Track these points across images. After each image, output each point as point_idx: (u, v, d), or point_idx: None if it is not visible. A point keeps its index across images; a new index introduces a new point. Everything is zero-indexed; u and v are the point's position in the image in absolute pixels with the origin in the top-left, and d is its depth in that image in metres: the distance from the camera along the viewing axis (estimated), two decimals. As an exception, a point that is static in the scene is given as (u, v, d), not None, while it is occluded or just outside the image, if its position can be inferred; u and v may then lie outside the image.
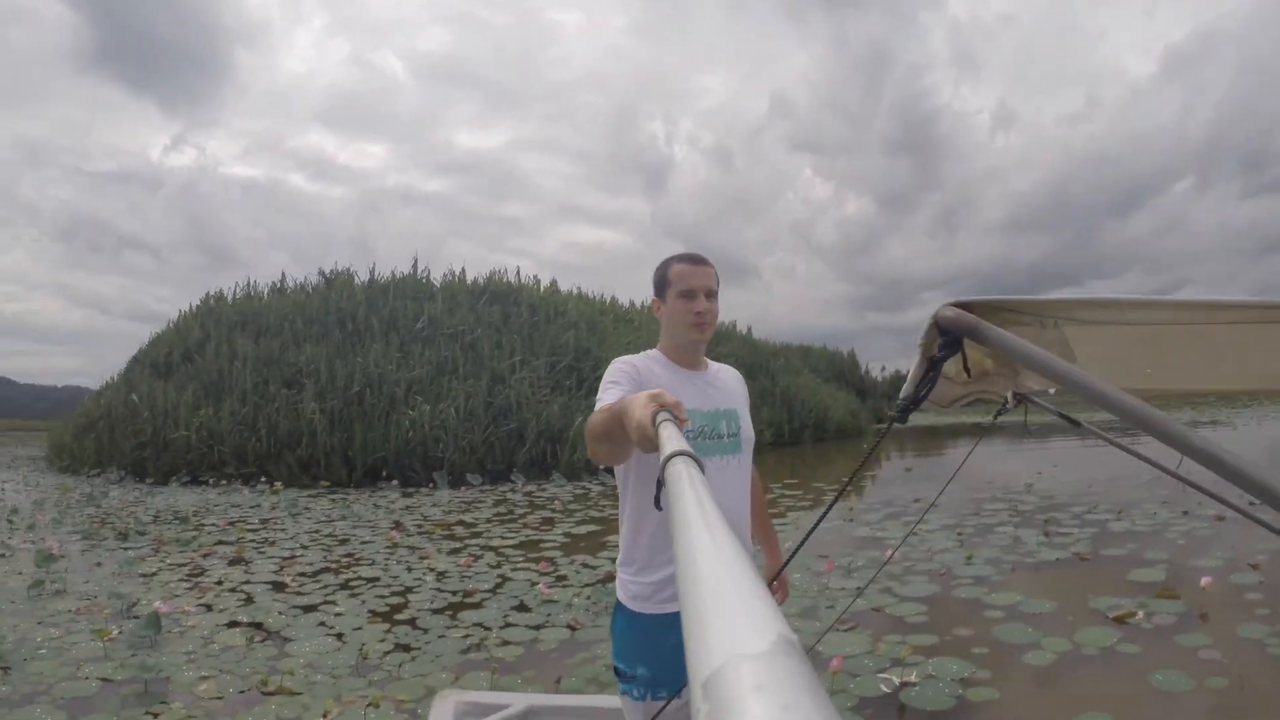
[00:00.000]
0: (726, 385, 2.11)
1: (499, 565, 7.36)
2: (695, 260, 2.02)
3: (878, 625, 5.14)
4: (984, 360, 1.43)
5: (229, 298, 21.99)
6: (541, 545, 8.27)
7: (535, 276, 22.52)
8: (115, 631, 5.47)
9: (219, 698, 4.38)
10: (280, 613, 6.01)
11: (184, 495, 14.05)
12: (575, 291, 23.09)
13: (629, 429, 1.23)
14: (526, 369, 17.16)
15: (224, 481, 15.65)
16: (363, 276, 21.62)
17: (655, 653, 1.86)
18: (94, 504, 12.63)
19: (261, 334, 18.96)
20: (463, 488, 14.34)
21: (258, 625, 5.70)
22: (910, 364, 1.32)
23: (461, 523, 10.05)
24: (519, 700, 2.96)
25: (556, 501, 11.36)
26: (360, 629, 5.48)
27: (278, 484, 14.90)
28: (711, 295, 1.99)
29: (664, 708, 1.82)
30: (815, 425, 22.80)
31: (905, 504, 10.09)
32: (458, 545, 8.46)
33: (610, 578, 6.52)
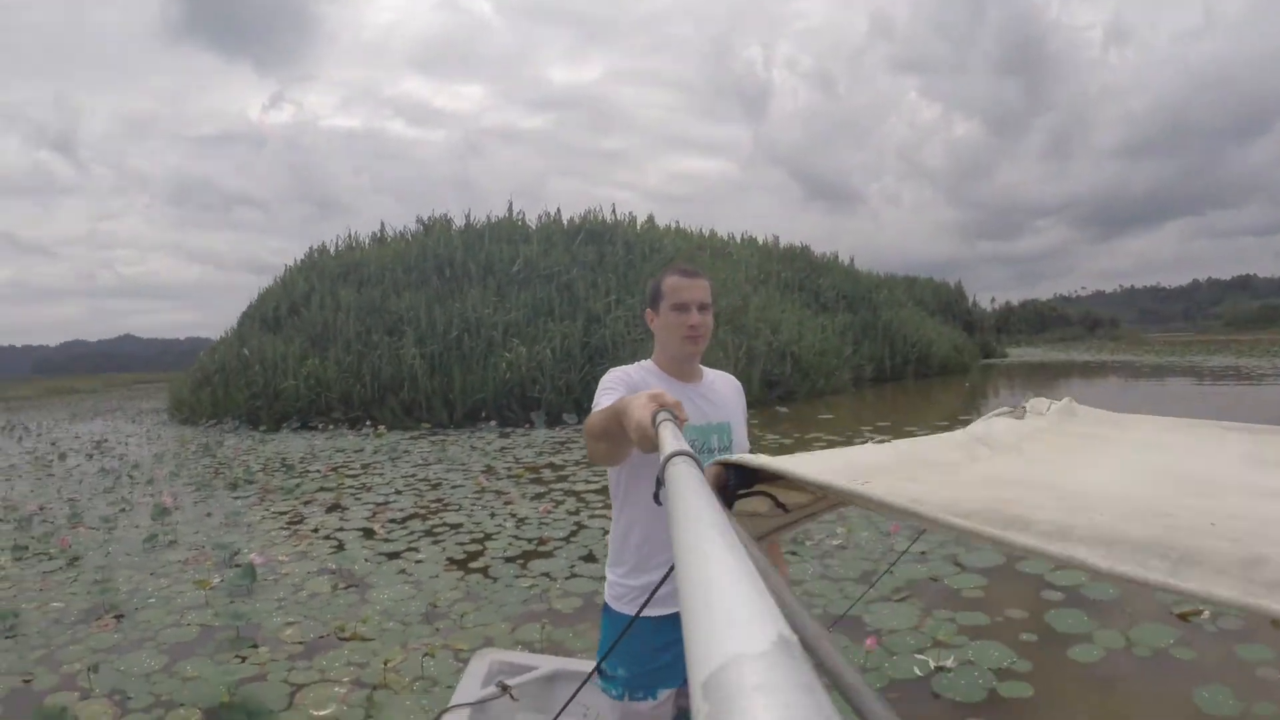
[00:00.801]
0: (721, 396, 2.09)
1: (577, 512, 7.32)
2: (689, 274, 2.02)
3: (931, 597, 4.83)
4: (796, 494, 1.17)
5: (331, 250, 22.60)
6: None
7: (630, 213, 22.08)
8: (217, 581, 5.74)
9: (300, 643, 4.54)
10: (366, 560, 6.13)
11: (293, 441, 14.61)
12: (674, 226, 22.65)
13: (629, 428, 1.24)
14: (622, 308, 17.07)
15: (331, 426, 16.23)
16: (460, 222, 21.85)
17: (634, 655, 1.89)
18: (209, 454, 13.24)
19: (363, 284, 19.42)
20: (558, 427, 14.45)
21: (344, 573, 5.82)
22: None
23: (551, 465, 10.09)
24: (549, 663, 2.98)
25: None
26: (436, 577, 5.56)
27: (381, 427, 15.35)
28: (705, 308, 1.99)
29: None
30: (918, 361, 21.74)
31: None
32: (542, 490, 8.47)
33: None
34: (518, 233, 20.26)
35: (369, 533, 7.05)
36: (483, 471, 9.90)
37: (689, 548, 0.50)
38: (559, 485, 8.67)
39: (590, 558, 5.82)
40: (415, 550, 6.39)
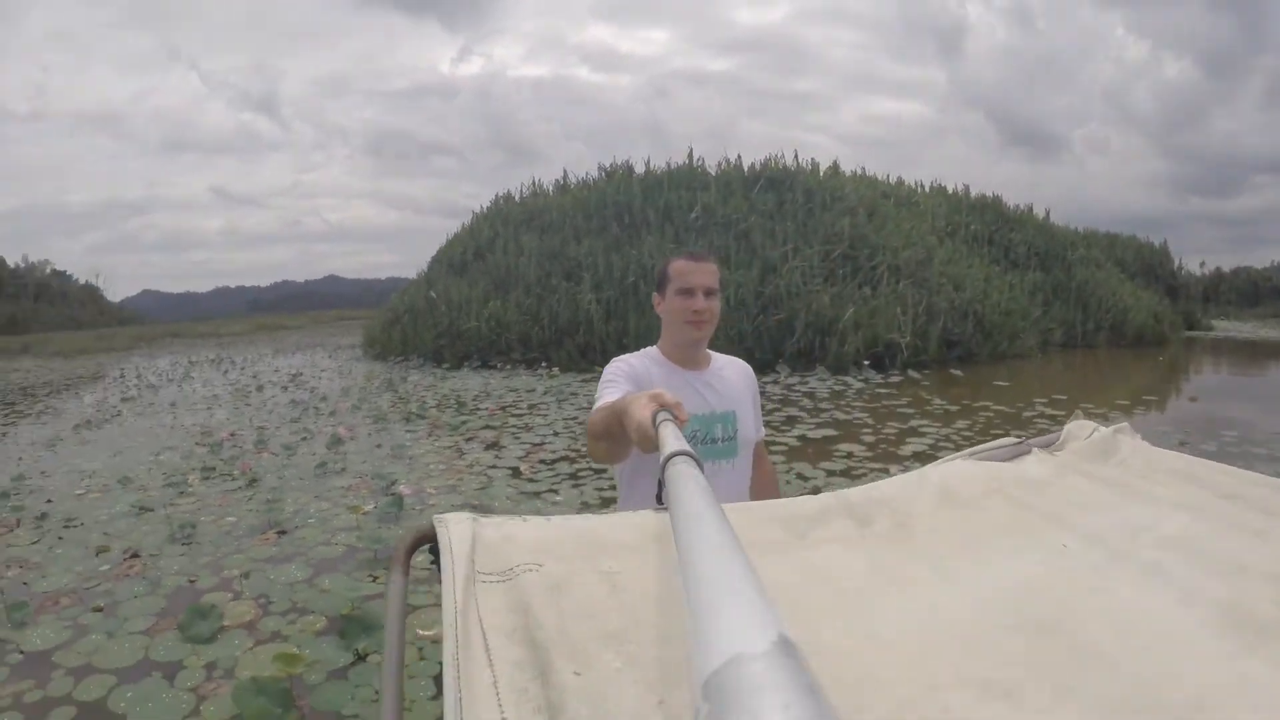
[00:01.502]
0: (728, 384, 2.06)
1: None
2: (696, 257, 1.99)
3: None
4: None
5: (516, 197, 23.25)
6: (769, 448, 7.83)
7: (813, 159, 21.13)
8: (369, 507, 6.15)
9: (425, 569, 4.77)
10: (507, 498, 6.34)
11: (471, 379, 15.29)
12: (860, 171, 21.70)
13: (629, 429, 1.23)
14: (799, 258, 16.54)
15: (509, 366, 16.87)
16: (642, 168, 21.89)
17: None
18: (391, 389, 14.09)
19: (545, 230, 19.90)
20: (727, 377, 14.35)
21: (483, 508, 6.04)
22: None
23: None
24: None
25: (810, 399, 10.91)
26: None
27: (555, 369, 15.81)
28: (711, 293, 1.96)
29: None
30: (1111, 328, 19.46)
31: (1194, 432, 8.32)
32: None
33: (814, 490, 6.16)
34: (697, 179, 19.99)
35: (516, 472, 7.28)
36: None
37: (689, 548, 0.51)
38: None
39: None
40: (555, 492, 6.54)
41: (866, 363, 13.70)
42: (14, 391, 19.24)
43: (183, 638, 4.11)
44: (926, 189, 21.72)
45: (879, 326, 14.36)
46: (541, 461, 7.76)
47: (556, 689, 0.73)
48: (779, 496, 2.12)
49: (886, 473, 6.28)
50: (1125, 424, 1.51)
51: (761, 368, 14.62)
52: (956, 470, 1.28)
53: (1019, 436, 1.51)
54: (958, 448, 7.13)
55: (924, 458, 7.03)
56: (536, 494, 6.49)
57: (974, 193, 21.73)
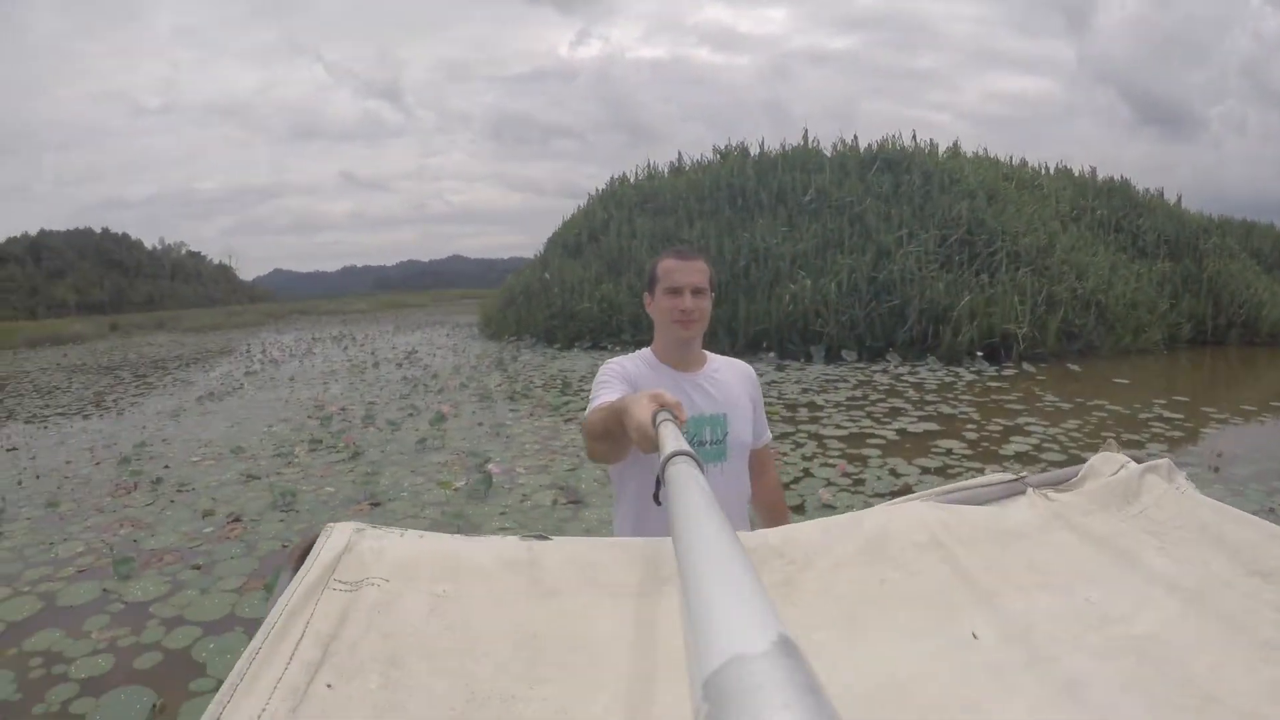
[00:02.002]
0: (723, 386, 2.02)
1: (812, 457, 7.16)
2: (683, 256, 1.98)
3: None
4: None
5: (631, 179, 23.42)
6: (867, 440, 7.84)
7: (931, 140, 20.45)
8: (460, 484, 6.41)
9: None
10: (595, 479, 6.50)
11: (580, 360, 15.60)
12: (981, 152, 20.85)
13: (629, 428, 1.24)
14: (914, 242, 16.06)
15: (619, 348, 17.10)
16: (756, 150, 21.70)
17: None
18: (501, 369, 14.54)
19: (658, 213, 20.01)
20: (835, 364, 14.15)
21: (569, 490, 6.20)
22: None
23: (810, 404, 9.89)
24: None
25: (917, 390, 10.68)
26: (646, 505, 5.82)
27: (664, 351, 15.99)
28: (699, 292, 1.94)
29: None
30: (1244, 324, 17.77)
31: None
32: (789, 430, 8.34)
33: (905, 489, 6.11)
34: (811, 161, 19.66)
35: (608, 455, 7.49)
36: None
37: (689, 548, 0.50)
38: (808, 426, 8.52)
39: (800, 509, 5.71)
40: None
41: (980, 354, 13.25)
42: (146, 365, 20.86)
43: (268, 598, 4.49)
44: (1051, 171, 20.72)
45: (995, 316, 13.85)
46: (636, 444, 7.91)
47: (345, 695, 0.79)
48: (783, 507, 2.28)
49: (981, 472, 6.19)
50: (1165, 459, 1.36)
51: (872, 356, 14.43)
52: (908, 513, 1.17)
53: (1016, 473, 1.39)
54: (1063, 450, 6.96)
55: (1025, 459, 6.87)
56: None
57: (1101, 175, 20.54)
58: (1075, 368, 12.09)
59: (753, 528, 2.29)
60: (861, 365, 13.71)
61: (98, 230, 77.64)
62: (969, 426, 8.25)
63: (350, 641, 0.87)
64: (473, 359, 16.82)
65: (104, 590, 4.72)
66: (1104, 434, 7.54)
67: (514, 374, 13.70)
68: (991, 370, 12.18)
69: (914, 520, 1.15)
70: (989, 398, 9.82)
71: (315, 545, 1.00)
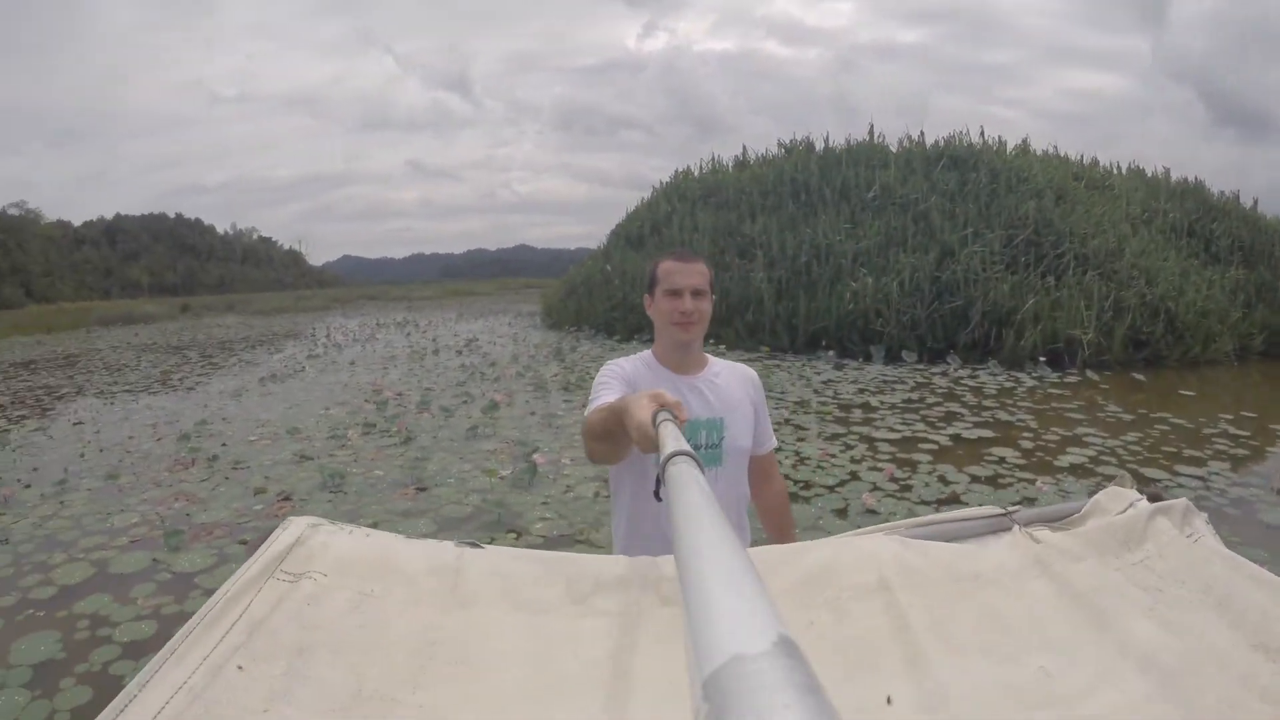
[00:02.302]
0: (722, 391, 2.02)
1: (860, 460, 7.18)
2: (683, 258, 2.00)
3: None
4: None
5: (695, 173, 23.47)
6: (919, 445, 7.76)
7: (999, 137, 20.04)
8: (505, 473, 6.62)
9: (543, 536, 5.18)
10: (641, 475, 6.68)
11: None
12: (1051, 150, 20.34)
13: (630, 428, 1.24)
14: (979, 242, 15.79)
15: (678, 342, 17.26)
16: (821, 145, 21.57)
17: None
18: (559, 359, 14.77)
19: (721, 207, 20.03)
20: (895, 364, 14.06)
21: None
22: None
23: (865, 405, 9.86)
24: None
25: (975, 395, 10.54)
26: (693, 502, 5.92)
27: (722, 346, 16.06)
28: (699, 294, 1.96)
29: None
30: None
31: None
32: (841, 431, 8.36)
33: (953, 497, 6.13)
34: (876, 157, 19.48)
35: (656, 449, 7.60)
36: (796, 403, 9.97)
37: (689, 548, 0.50)
38: (860, 428, 8.50)
39: (842, 513, 5.76)
40: None
41: (1043, 359, 12.98)
42: (214, 346, 21.68)
43: None
44: (1122, 171, 20.08)
45: (1060, 320, 13.55)
46: (681, 441, 7.97)
47: (250, 678, 0.84)
48: (788, 515, 2.28)
49: (1032, 484, 6.19)
50: (1183, 500, 1.20)
51: (932, 357, 14.30)
52: (864, 547, 1.11)
53: (1005, 507, 1.27)
54: (1120, 463, 6.89)
55: (1080, 472, 6.73)
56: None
57: (1175, 177, 19.89)
58: (1140, 377, 11.82)
59: (755, 536, 2.31)
60: (921, 367, 13.60)
61: (171, 215, 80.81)
62: (1025, 435, 8.13)
63: (273, 629, 0.91)
64: (531, 348, 17.06)
65: (153, 560, 5.05)
66: (1164, 448, 7.41)
67: (571, 364, 13.89)
68: (1054, 377, 11.98)
69: (867, 556, 1.09)
70: (1048, 405, 9.70)
71: (270, 536, 1.06)
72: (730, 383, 2.05)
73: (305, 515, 1.12)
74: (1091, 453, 7.33)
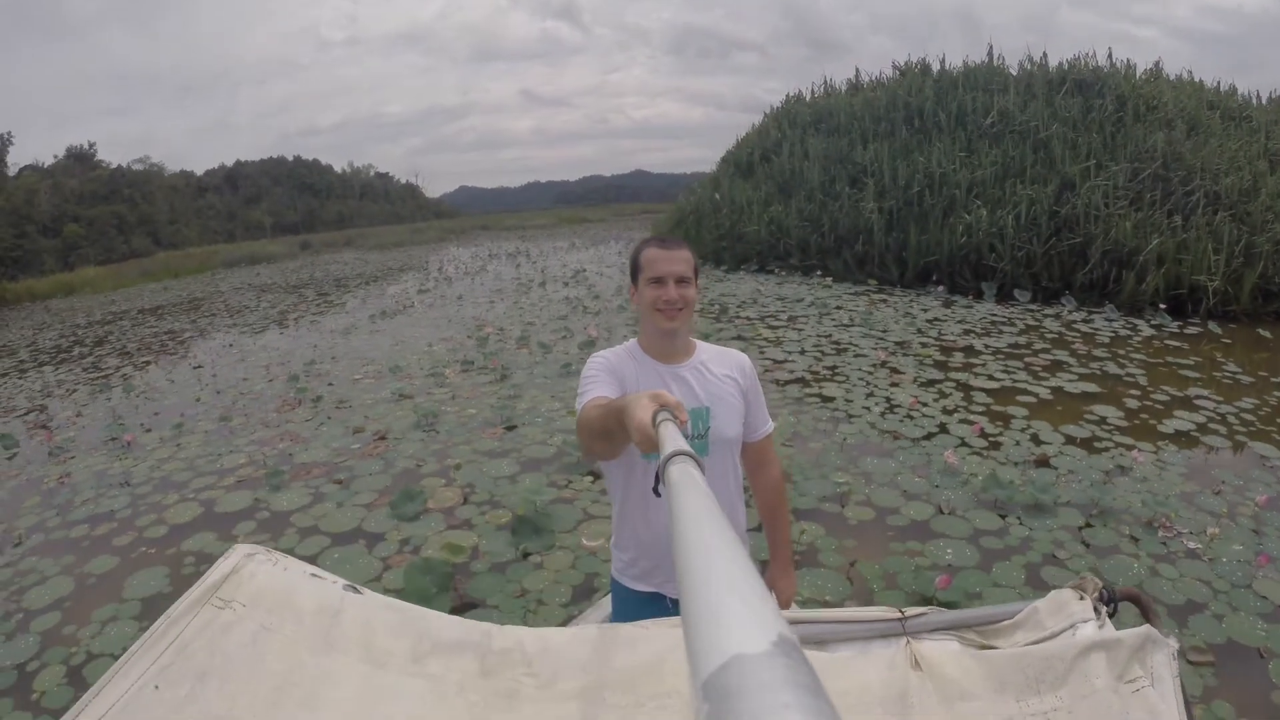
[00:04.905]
0: (708, 378, 1.99)
1: (952, 411, 6.98)
2: (666, 245, 1.97)
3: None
4: None
5: (807, 97, 22.93)
6: (1016, 397, 7.43)
7: (1128, 60, 18.57)
8: None
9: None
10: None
11: (744, 284, 15.79)
12: (1185, 75, 18.80)
13: (630, 428, 1.22)
14: (1102, 175, 14.98)
15: (785, 272, 17.20)
16: (938, 66, 20.73)
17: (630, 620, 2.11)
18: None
19: (832, 133, 19.61)
20: (1007, 303, 13.77)
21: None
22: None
23: (969, 348, 9.60)
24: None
25: (1086, 342, 10.07)
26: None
27: (829, 279, 16.01)
28: (683, 281, 1.93)
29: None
30: None
31: None
32: (938, 376, 8.17)
33: (1042, 460, 6.05)
34: (995, 80, 18.56)
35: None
36: (897, 344, 9.82)
37: (689, 547, 0.50)
38: (958, 374, 8.26)
39: (922, 469, 5.62)
40: (774, 417, 6.96)
41: (1163, 306, 12.29)
42: (330, 283, 22.46)
43: (392, 514, 5.03)
44: (1263, 100, 18.28)
45: (1185, 264, 12.76)
46: (775, 382, 7.90)
47: (158, 699, 0.88)
48: (783, 501, 2.25)
49: (1128, 453, 5.95)
50: (1145, 628, 0.99)
51: (1047, 297, 13.91)
52: None
53: (903, 611, 1.12)
54: (1230, 433, 6.66)
55: (1184, 440, 6.23)
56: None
57: (1322, 108, 18.23)
58: (1266, 334, 10.99)
59: (749, 522, 2.32)
60: (1034, 307, 13.21)
61: (290, 158, 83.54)
62: (1132, 392, 7.64)
63: (192, 653, 0.94)
64: (614, 284, 17.05)
65: (255, 499, 5.49)
66: (1278, 420, 6.91)
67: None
68: (1173, 326, 11.44)
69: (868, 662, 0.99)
70: (1163, 359, 9.31)
71: (214, 563, 1.08)
72: (717, 370, 2.02)
73: (245, 545, 1.16)
74: (1200, 419, 6.85)
